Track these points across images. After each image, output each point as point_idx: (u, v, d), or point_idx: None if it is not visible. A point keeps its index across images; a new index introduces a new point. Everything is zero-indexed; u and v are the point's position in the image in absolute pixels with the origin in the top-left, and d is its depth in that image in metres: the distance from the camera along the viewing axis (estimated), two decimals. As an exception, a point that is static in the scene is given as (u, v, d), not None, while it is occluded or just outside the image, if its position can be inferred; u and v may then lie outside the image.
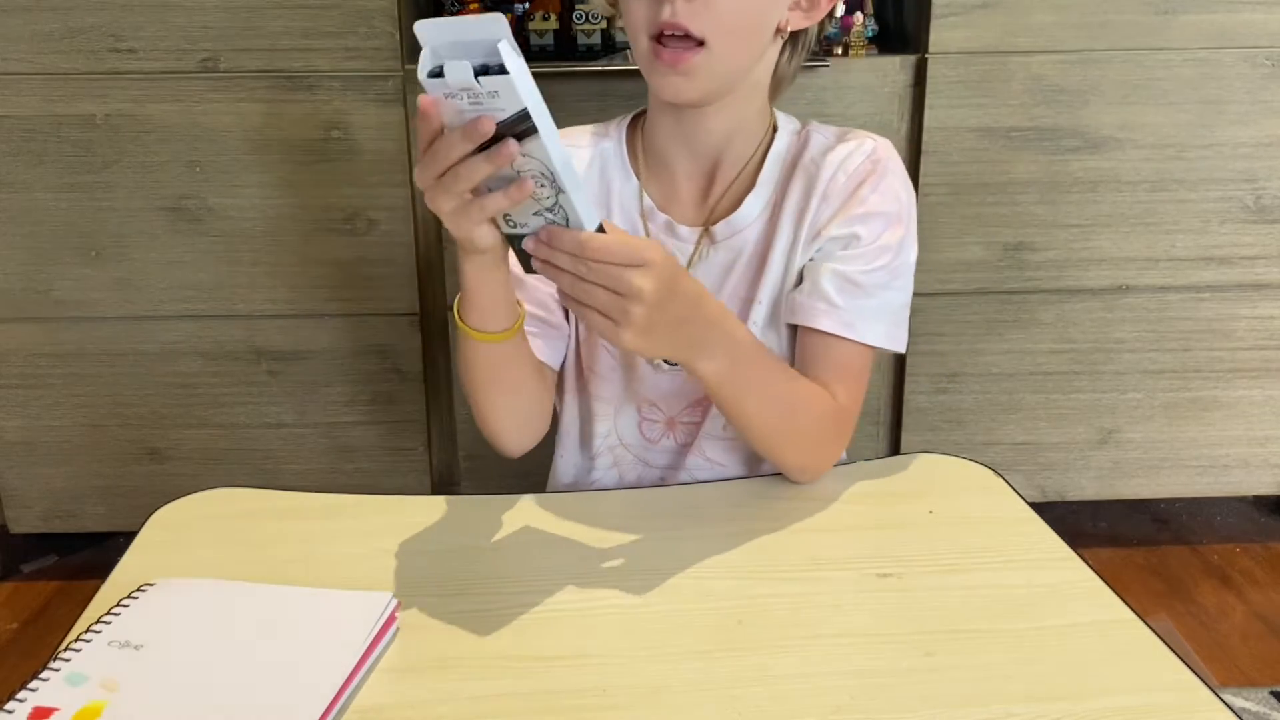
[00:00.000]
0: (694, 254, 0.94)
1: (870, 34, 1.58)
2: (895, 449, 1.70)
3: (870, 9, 1.59)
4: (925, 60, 1.53)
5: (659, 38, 0.84)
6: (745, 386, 0.82)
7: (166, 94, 1.51)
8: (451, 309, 0.85)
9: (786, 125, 0.96)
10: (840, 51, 1.56)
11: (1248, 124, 1.56)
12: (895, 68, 1.54)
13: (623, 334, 0.71)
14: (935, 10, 1.51)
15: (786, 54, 0.93)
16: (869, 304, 0.90)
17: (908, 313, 0.93)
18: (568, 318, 0.99)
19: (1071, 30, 1.52)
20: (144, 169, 1.54)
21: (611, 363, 0.98)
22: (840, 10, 1.54)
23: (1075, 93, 1.54)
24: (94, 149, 1.53)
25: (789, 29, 0.89)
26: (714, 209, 0.95)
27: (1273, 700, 1.43)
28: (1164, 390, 1.68)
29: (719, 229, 0.93)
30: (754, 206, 0.93)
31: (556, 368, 0.99)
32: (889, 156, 0.92)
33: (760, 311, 0.94)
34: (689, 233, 0.94)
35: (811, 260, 0.92)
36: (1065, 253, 1.61)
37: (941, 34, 1.52)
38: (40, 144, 1.52)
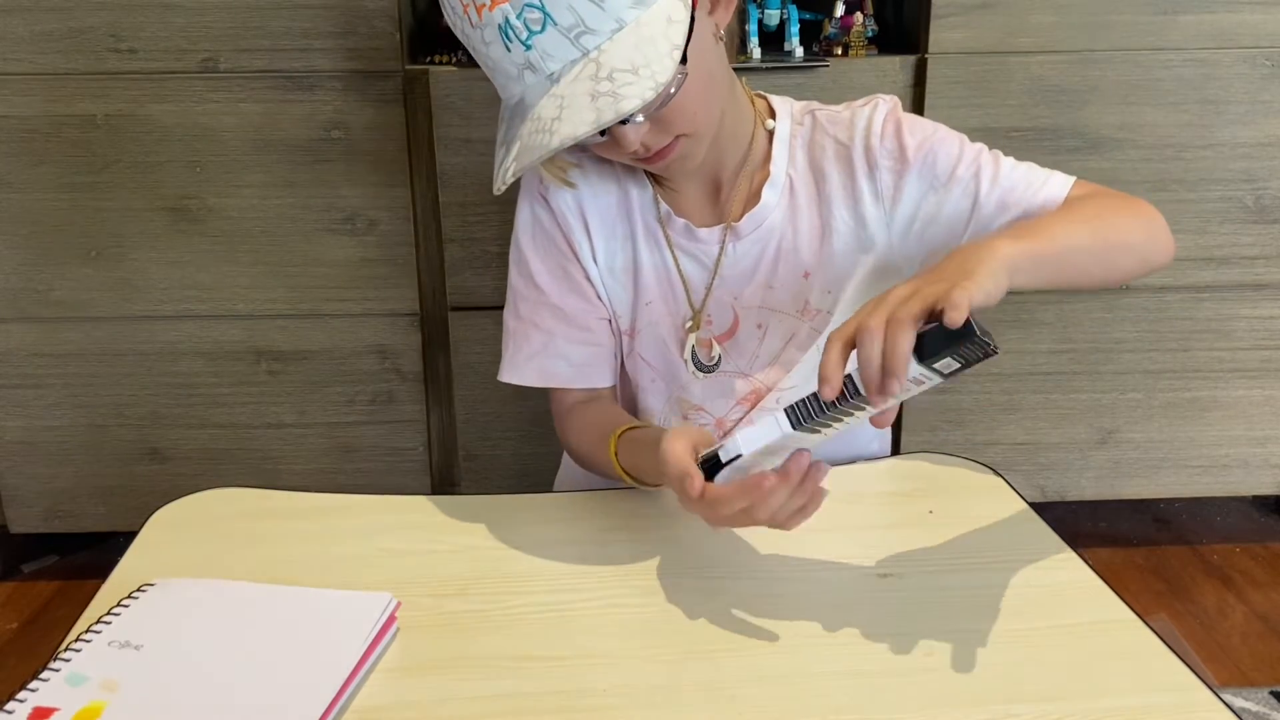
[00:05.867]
0: (719, 254, 0.95)
1: (870, 34, 1.57)
2: (895, 449, 1.70)
3: (870, 9, 1.59)
4: (925, 60, 1.53)
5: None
6: (1047, 258, 0.76)
7: (166, 94, 1.51)
8: (618, 468, 0.88)
9: (783, 108, 0.97)
10: (840, 51, 1.56)
11: (1248, 124, 1.56)
12: (895, 68, 1.54)
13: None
14: (935, 10, 1.51)
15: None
16: (1033, 173, 0.90)
17: None
18: (612, 331, 1.00)
19: (1071, 30, 1.52)
20: (144, 169, 1.54)
21: (652, 374, 1.00)
22: (840, 10, 1.56)
23: (1075, 93, 1.54)
24: (94, 149, 1.53)
25: (721, 30, 0.87)
26: (727, 205, 0.95)
27: (1273, 700, 1.43)
28: (1163, 390, 1.68)
29: (744, 225, 0.94)
30: (773, 195, 0.94)
31: (613, 382, 1.02)
32: (898, 105, 0.93)
33: (814, 283, 0.94)
34: (708, 234, 0.95)
35: (968, 228, 0.89)
36: (1065, 253, 1.61)
37: (941, 34, 1.52)
38: (40, 144, 1.52)
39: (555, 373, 0.98)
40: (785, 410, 0.68)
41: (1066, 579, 0.77)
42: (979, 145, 0.91)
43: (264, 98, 1.51)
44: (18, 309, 1.59)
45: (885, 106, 0.92)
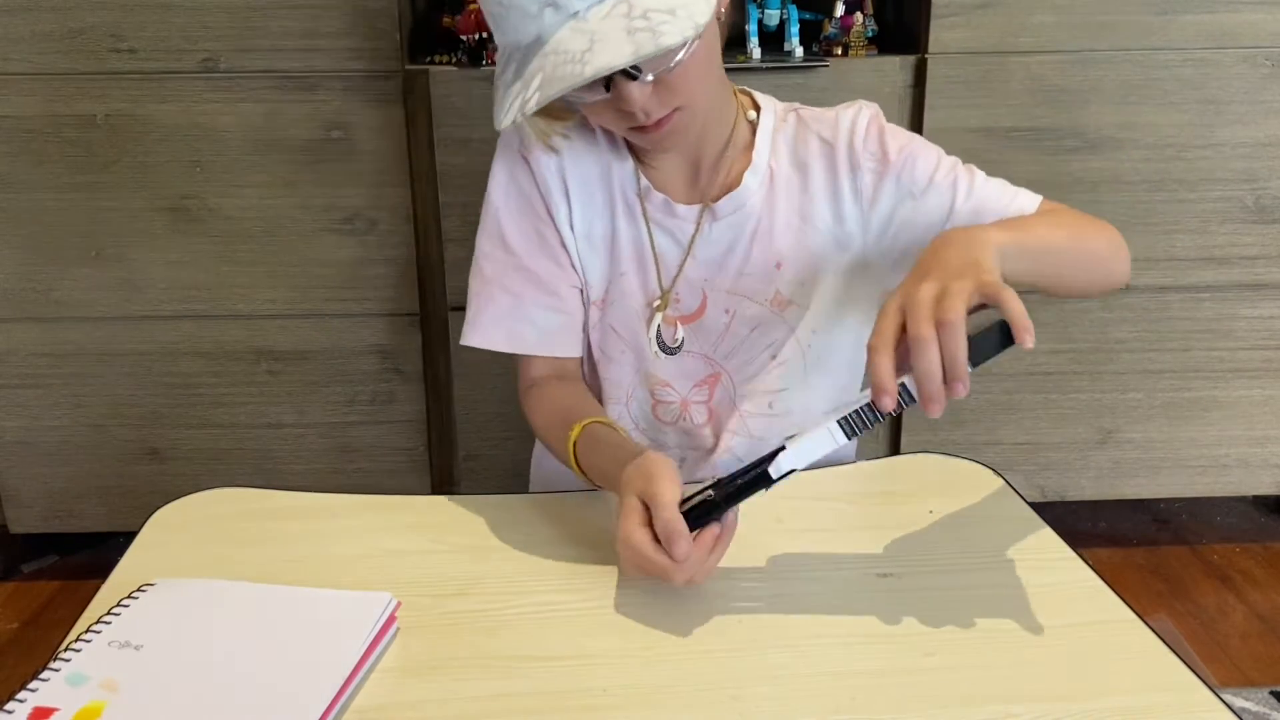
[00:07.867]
0: (695, 232, 0.96)
1: (870, 34, 1.57)
2: (895, 449, 1.70)
3: (870, 9, 1.59)
4: (925, 60, 1.53)
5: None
6: (1029, 249, 0.80)
7: (166, 94, 1.51)
8: (572, 460, 0.88)
9: (767, 103, 0.98)
10: (840, 51, 1.56)
11: (1248, 124, 1.56)
12: (895, 68, 1.54)
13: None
14: (935, 10, 1.51)
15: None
16: (1005, 188, 0.94)
17: None
18: (581, 300, 0.99)
19: (1071, 30, 1.52)
20: (144, 169, 1.54)
21: (621, 346, 1.00)
22: (840, 10, 1.56)
23: (1075, 93, 1.54)
24: (94, 149, 1.53)
25: (722, 11, 0.87)
26: (706, 187, 0.96)
27: (1273, 700, 1.43)
28: (1164, 390, 1.68)
29: (722, 206, 0.95)
30: (754, 181, 0.95)
31: (579, 354, 1.01)
32: (880, 113, 0.97)
33: (786, 274, 0.95)
34: (686, 210, 0.96)
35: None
36: (1065, 253, 1.61)
37: (941, 34, 1.52)
38: (40, 144, 1.52)
39: (522, 336, 0.97)
40: (838, 422, 0.69)
41: (1066, 579, 0.77)
42: (954, 157, 0.95)
43: (264, 98, 1.51)
44: (18, 309, 1.59)
45: (869, 111, 0.96)
